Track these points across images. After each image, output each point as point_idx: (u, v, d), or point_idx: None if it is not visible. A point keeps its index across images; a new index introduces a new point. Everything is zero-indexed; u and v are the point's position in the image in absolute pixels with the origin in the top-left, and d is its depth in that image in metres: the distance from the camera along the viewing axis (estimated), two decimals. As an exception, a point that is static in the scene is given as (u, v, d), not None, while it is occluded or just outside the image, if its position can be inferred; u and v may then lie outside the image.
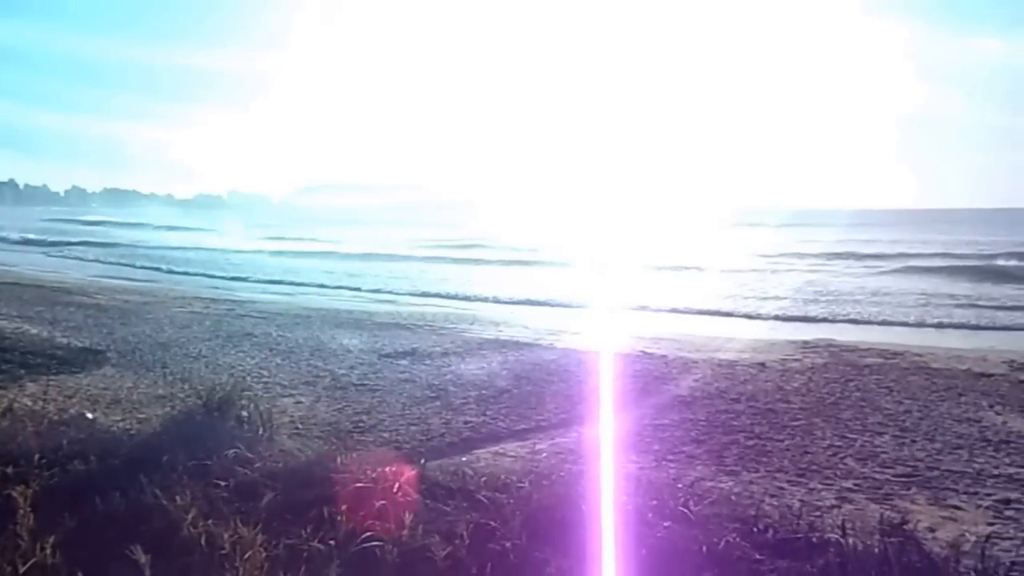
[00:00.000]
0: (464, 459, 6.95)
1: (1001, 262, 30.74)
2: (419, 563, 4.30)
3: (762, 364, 11.95)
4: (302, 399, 9.40)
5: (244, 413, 6.78)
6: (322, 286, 26.08)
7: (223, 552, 4.12)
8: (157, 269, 32.04)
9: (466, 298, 22.33)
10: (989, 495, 6.43)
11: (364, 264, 35.74)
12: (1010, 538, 5.42)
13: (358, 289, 25.34)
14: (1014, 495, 6.42)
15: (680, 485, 5.96)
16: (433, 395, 9.74)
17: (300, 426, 8.11)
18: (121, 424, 7.61)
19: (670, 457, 7.37)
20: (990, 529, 5.55)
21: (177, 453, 5.57)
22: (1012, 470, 7.05)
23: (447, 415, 8.79)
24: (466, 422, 8.54)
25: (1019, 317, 18.51)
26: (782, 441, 7.90)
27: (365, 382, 10.42)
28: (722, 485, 6.49)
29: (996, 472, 7.00)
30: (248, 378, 10.20)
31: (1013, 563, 4.54)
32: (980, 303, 21.17)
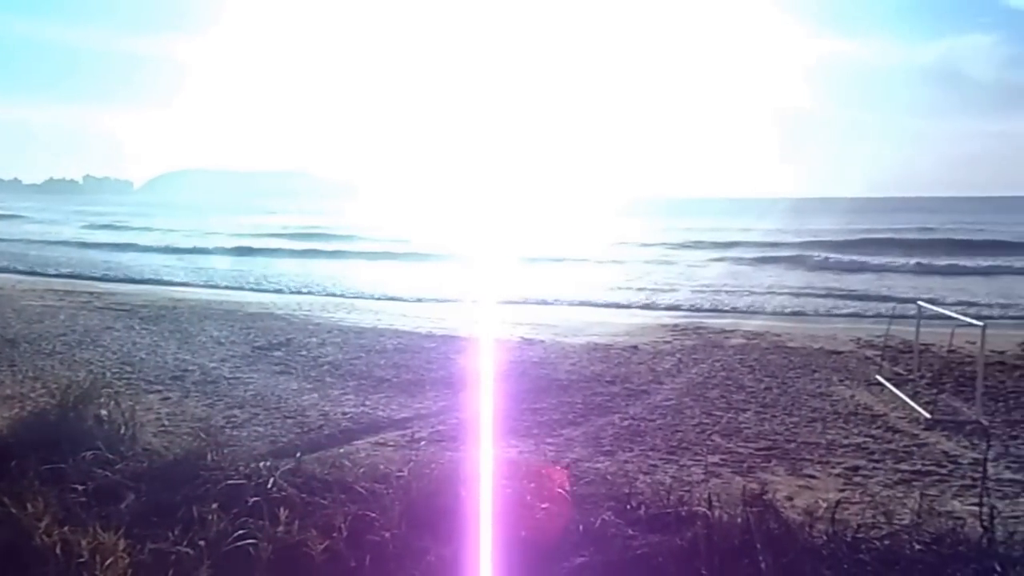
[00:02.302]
0: (343, 451, 6.83)
1: (840, 255, 32.13)
2: (296, 559, 4.19)
3: (635, 347, 12.36)
4: (169, 395, 8.97)
5: (104, 412, 6.38)
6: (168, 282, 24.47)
7: (81, 560, 3.87)
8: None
9: (342, 295, 21.73)
10: (840, 463, 6.94)
11: (220, 259, 33.77)
12: (857, 502, 5.87)
13: (214, 284, 24.04)
14: (861, 463, 6.95)
15: (558, 467, 6.07)
16: (310, 386, 9.52)
17: (167, 423, 7.74)
18: (-39, 429, 7.00)
19: (549, 440, 7.52)
20: (841, 495, 5.97)
21: (28, 457, 5.17)
22: (860, 440, 7.62)
23: (325, 406, 8.62)
24: (344, 413, 8.39)
25: (856, 305, 19.81)
26: (655, 421, 8.21)
27: (238, 375, 10.05)
28: (598, 465, 6.69)
29: (846, 442, 7.55)
30: (108, 374, 9.65)
31: (860, 525, 4.89)
32: (834, 293, 22.50)
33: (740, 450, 7.30)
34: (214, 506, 4.56)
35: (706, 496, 5.15)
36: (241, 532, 4.32)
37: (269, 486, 4.98)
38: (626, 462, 6.87)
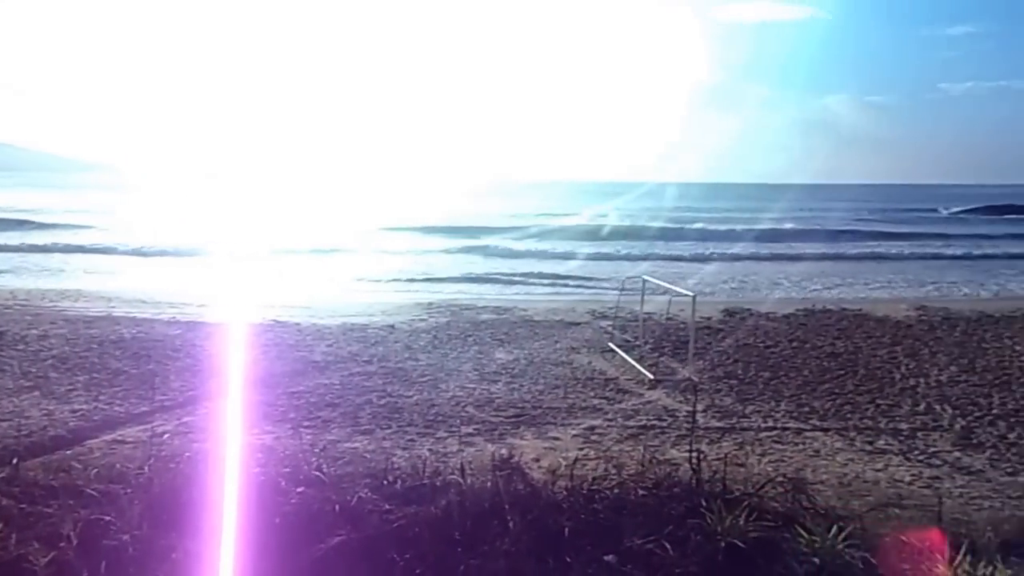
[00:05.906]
0: (72, 452, 6.26)
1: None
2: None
3: (392, 326, 12.49)
4: None
5: None
6: None
7: None
8: None
9: (71, 282, 19.56)
10: (579, 424, 7.59)
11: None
12: (594, 458, 6.47)
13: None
14: (597, 422, 7.66)
15: (315, 450, 6.03)
16: (30, 384, 8.56)
17: None
18: None
19: (306, 423, 7.42)
20: (580, 453, 6.56)
21: None
22: (596, 402, 8.38)
23: (49, 405, 7.80)
24: (74, 411, 7.66)
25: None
26: (411, 397, 8.40)
27: (-65, 377, 8.76)
28: (356, 445, 6.74)
29: (584, 404, 8.26)
30: None
31: (595, 478, 5.42)
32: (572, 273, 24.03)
33: (492, 419, 7.70)
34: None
35: (459, 465, 5.42)
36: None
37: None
38: (384, 439, 6.99)
